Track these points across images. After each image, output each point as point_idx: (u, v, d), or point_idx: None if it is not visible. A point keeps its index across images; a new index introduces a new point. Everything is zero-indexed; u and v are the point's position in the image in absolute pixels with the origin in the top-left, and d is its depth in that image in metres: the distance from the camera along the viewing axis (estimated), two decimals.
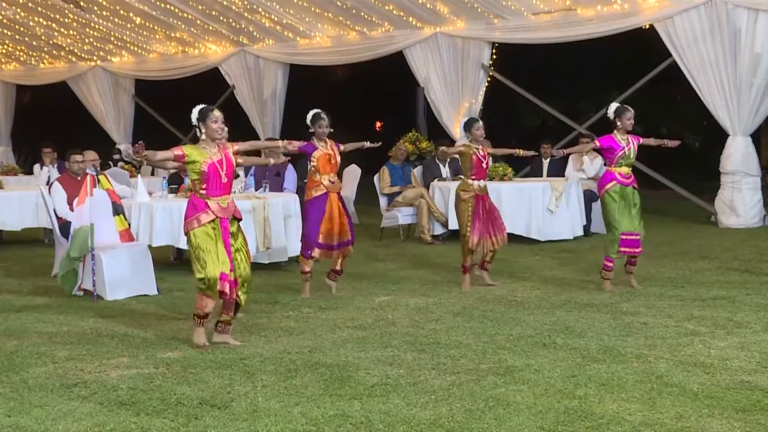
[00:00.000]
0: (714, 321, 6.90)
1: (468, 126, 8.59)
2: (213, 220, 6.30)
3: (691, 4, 12.69)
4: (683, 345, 6.17)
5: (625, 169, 8.27)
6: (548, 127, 19.87)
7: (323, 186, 8.15)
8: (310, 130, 8.18)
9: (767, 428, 4.51)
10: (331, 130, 8.19)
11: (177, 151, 6.31)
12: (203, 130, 6.35)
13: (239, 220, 6.55)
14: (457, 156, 9.15)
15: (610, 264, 8.24)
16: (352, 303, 7.98)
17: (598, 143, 8.38)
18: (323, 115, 8.15)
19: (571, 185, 12.21)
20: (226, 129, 6.42)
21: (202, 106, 6.42)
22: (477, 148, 8.48)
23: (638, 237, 8.27)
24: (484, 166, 8.51)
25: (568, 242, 11.82)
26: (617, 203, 8.17)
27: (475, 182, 8.48)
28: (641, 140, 8.41)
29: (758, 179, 13.20)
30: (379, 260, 10.70)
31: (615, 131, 8.30)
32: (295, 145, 7.93)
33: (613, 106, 8.40)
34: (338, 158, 8.25)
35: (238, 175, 7.08)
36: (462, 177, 8.66)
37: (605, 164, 8.46)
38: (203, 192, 6.32)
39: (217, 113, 6.36)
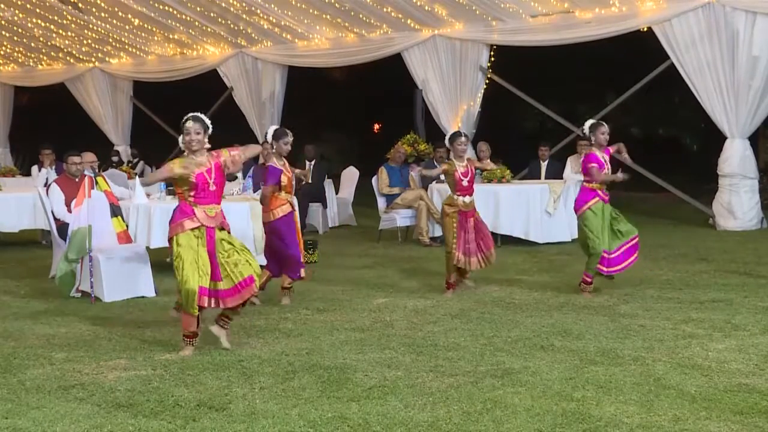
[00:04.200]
0: (712, 323, 6.90)
1: (451, 140, 8.39)
2: (198, 228, 6.28)
3: (689, 7, 12.71)
4: (681, 347, 6.17)
5: (605, 186, 8.20)
6: (546, 130, 19.90)
7: (289, 204, 7.97)
8: (273, 148, 8.00)
9: (764, 431, 4.51)
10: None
11: (165, 173, 6.29)
12: (183, 142, 6.31)
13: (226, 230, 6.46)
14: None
15: (590, 280, 8.17)
16: (350, 305, 7.98)
17: (592, 161, 8.13)
18: (288, 132, 8.02)
19: (569, 187, 12.21)
20: (200, 139, 6.32)
21: (186, 117, 6.33)
22: (460, 165, 8.30)
23: (619, 252, 8.19)
24: (465, 183, 8.29)
25: (566, 244, 11.80)
26: (599, 220, 8.10)
27: (460, 198, 8.30)
28: (611, 151, 8.33)
29: (756, 182, 13.21)
30: (377, 262, 10.69)
31: (593, 148, 8.18)
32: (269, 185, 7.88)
33: (588, 123, 8.28)
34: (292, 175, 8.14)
35: (235, 177, 6.88)
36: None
37: (585, 180, 8.18)
38: (191, 200, 6.31)
39: (189, 124, 6.27)
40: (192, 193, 6.28)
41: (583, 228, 8.17)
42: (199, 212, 6.27)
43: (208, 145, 6.34)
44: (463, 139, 8.41)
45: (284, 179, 7.95)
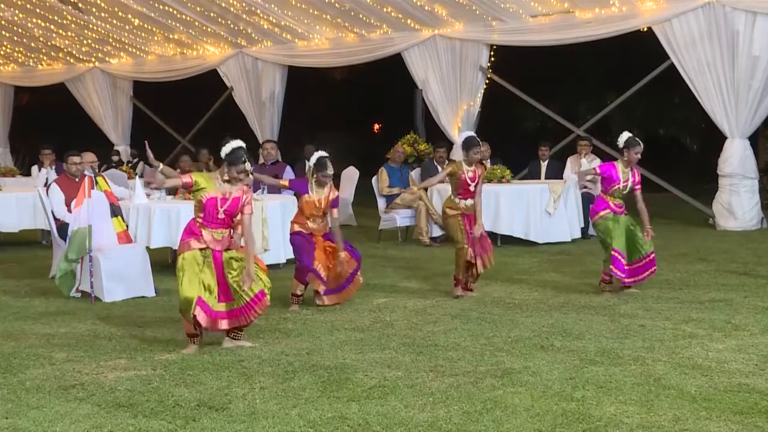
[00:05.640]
0: (712, 324, 6.90)
1: (468, 146, 8.25)
2: (203, 249, 6.30)
3: (689, 7, 12.70)
4: (681, 347, 6.18)
5: (619, 200, 8.25)
6: (546, 129, 19.89)
7: (308, 226, 7.98)
8: (312, 174, 7.90)
9: (764, 431, 4.51)
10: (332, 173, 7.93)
11: (186, 178, 6.34)
12: (226, 171, 6.27)
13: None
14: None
15: (608, 278, 8.21)
16: (350, 305, 7.98)
17: (598, 170, 8.32)
18: (329, 163, 7.86)
19: (569, 187, 12.22)
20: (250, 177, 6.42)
21: (238, 147, 6.26)
22: (468, 169, 8.21)
23: (634, 267, 8.23)
24: (472, 188, 8.23)
25: (566, 244, 11.82)
26: (610, 222, 8.14)
27: (462, 201, 8.25)
28: (636, 178, 8.28)
29: (756, 182, 13.20)
30: (377, 262, 10.69)
31: (619, 161, 8.27)
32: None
33: (625, 135, 8.25)
34: (327, 206, 7.98)
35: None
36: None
37: (601, 190, 8.34)
38: (200, 220, 6.33)
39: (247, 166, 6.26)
40: (201, 215, 6.32)
41: (598, 232, 8.36)
42: (207, 234, 6.31)
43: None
44: (480, 148, 8.36)
45: (306, 201, 7.92)
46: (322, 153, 7.98)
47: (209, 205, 6.28)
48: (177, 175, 6.42)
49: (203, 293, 6.22)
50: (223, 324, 6.33)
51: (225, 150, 6.25)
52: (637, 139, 8.25)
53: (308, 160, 8.12)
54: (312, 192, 7.94)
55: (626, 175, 8.19)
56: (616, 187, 8.18)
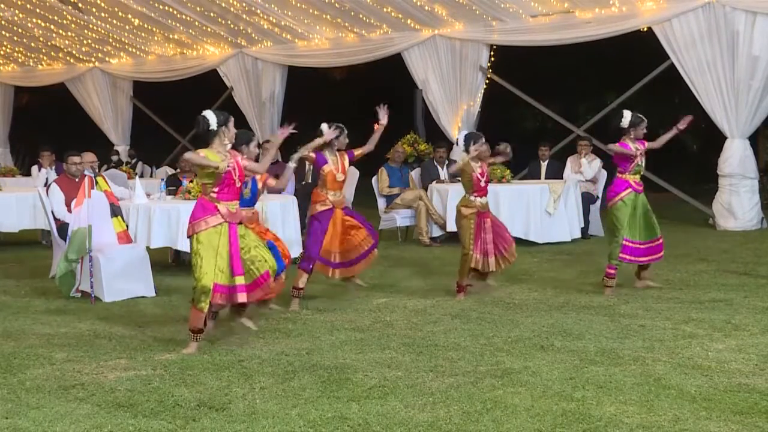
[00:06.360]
0: (712, 323, 6.91)
1: (473, 139, 8.26)
2: (221, 224, 6.29)
3: (689, 7, 12.70)
4: (681, 347, 6.18)
5: (638, 177, 8.30)
6: (546, 130, 19.89)
7: (329, 201, 8.05)
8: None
9: (764, 431, 4.51)
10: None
11: (201, 153, 6.30)
12: (226, 134, 6.33)
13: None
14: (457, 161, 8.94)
15: (613, 272, 8.21)
16: (350, 305, 7.98)
17: (618, 147, 8.27)
18: (344, 130, 8.16)
19: (569, 187, 12.21)
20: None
21: (217, 111, 6.41)
22: (476, 166, 8.22)
23: (648, 246, 8.32)
24: (483, 184, 8.24)
25: (566, 244, 11.82)
26: (629, 209, 8.17)
27: (477, 199, 8.24)
28: (646, 144, 8.40)
29: (756, 182, 13.19)
30: (377, 262, 10.67)
31: (627, 138, 8.29)
32: (311, 156, 8.00)
33: (627, 115, 8.28)
34: (345, 174, 8.15)
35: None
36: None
37: (619, 171, 8.35)
38: (214, 195, 6.31)
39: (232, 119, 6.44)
40: (216, 189, 6.30)
41: (611, 216, 8.28)
42: (222, 208, 6.30)
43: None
44: (483, 139, 8.36)
45: (328, 172, 8.03)
46: (339, 124, 8.20)
47: (228, 177, 6.30)
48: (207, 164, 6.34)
49: (218, 277, 6.22)
50: (242, 297, 6.32)
51: (213, 119, 6.28)
52: (640, 116, 8.32)
53: (308, 161, 8.18)
54: (329, 161, 8.05)
55: (637, 149, 8.26)
56: (636, 162, 8.23)
